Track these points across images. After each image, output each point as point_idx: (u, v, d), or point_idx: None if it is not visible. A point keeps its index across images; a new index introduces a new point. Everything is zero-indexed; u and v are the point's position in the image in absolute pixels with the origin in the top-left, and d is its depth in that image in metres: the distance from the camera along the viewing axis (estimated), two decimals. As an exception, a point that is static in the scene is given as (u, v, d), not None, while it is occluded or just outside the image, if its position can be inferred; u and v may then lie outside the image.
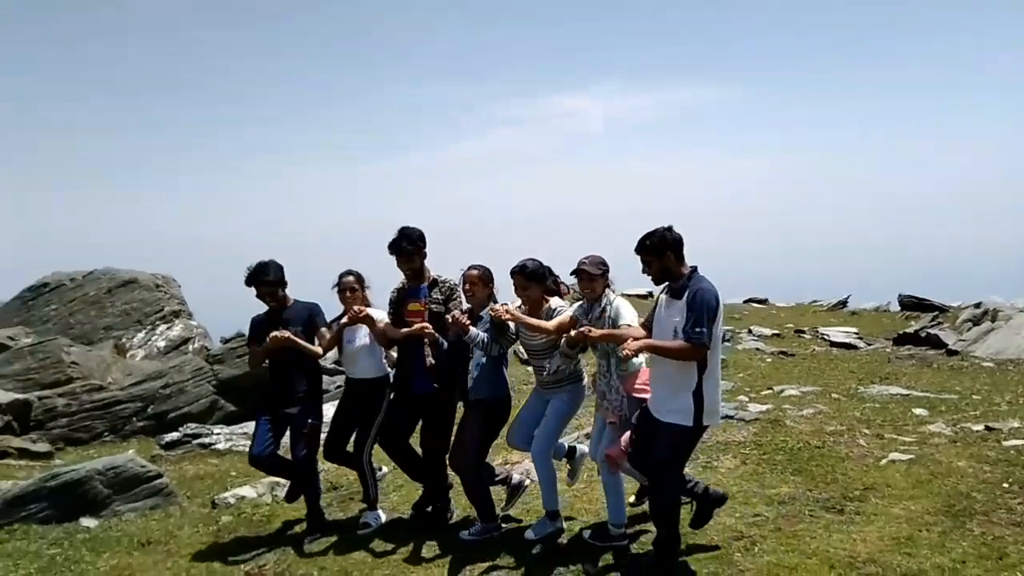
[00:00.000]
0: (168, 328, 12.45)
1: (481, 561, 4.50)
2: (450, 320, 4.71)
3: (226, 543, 5.21)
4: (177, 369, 9.74)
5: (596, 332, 4.27)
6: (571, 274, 4.66)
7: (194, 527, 5.56)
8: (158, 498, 6.02)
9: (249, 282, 5.19)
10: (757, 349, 14.61)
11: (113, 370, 10.24)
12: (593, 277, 4.51)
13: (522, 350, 5.57)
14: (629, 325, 4.37)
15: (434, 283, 5.26)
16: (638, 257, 4.22)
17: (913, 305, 21.03)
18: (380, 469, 5.97)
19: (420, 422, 5.29)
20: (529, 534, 4.76)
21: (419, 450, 5.31)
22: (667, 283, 4.20)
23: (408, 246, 5.12)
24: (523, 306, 4.85)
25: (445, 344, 4.99)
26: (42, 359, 9.70)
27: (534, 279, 4.75)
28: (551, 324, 4.65)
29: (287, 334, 5.02)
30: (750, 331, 17.25)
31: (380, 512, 5.35)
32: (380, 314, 5.26)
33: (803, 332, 17.33)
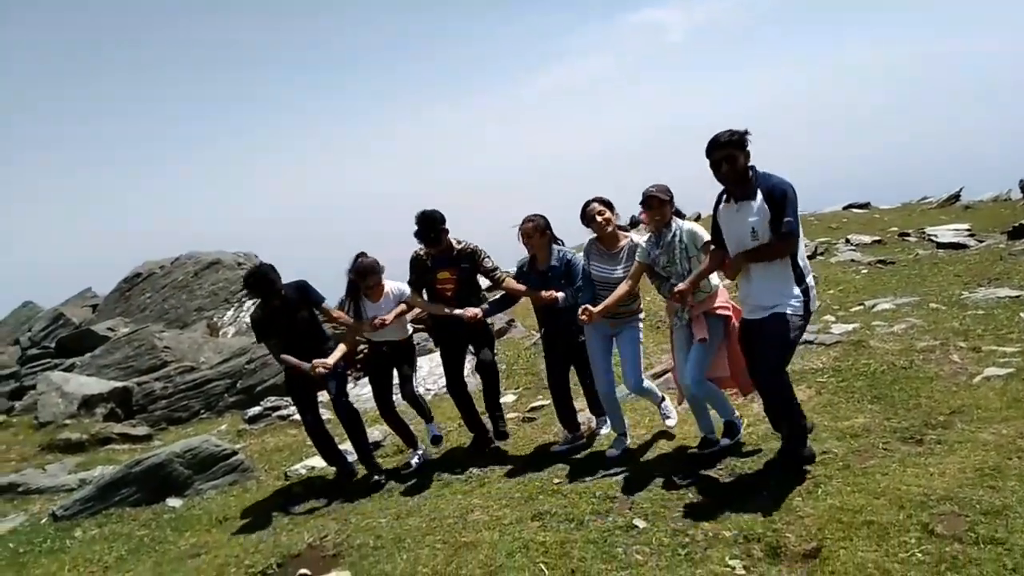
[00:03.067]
0: (253, 303, 12.91)
1: (529, 516, 4.39)
2: (469, 316, 5.33)
3: (295, 515, 5.36)
4: (258, 344, 10.11)
5: (682, 285, 4.40)
6: (640, 204, 4.74)
7: (267, 501, 5.76)
8: (236, 474, 6.29)
9: (256, 293, 5.59)
10: (852, 261, 13.71)
11: (205, 349, 10.76)
12: (663, 203, 4.63)
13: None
14: (710, 243, 4.47)
15: (461, 252, 5.52)
16: (711, 161, 4.11)
17: (1038, 189, 19.11)
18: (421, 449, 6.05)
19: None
20: (611, 453, 5.15)
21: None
22: (724, 192, 4.20)
23: (435, 235, 5.40)
24: (598, 242, 5.07)
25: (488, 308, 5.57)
26: (138, 346, 10.32)
27: (608, 205, 5.00)
28: (624, 289, 4.83)
29: (327, 365, 5.39)
30: (847, 240, 16.22)
31: (435, 426, 5.98)
32: (399, 284, 5.65)
33: (908, 235, 16.14)
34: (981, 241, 14.04)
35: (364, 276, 5.50)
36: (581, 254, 5.24)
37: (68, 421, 8.77)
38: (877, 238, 16.17)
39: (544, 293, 5.17)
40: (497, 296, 5.79)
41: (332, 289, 5.95)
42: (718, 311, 4.64)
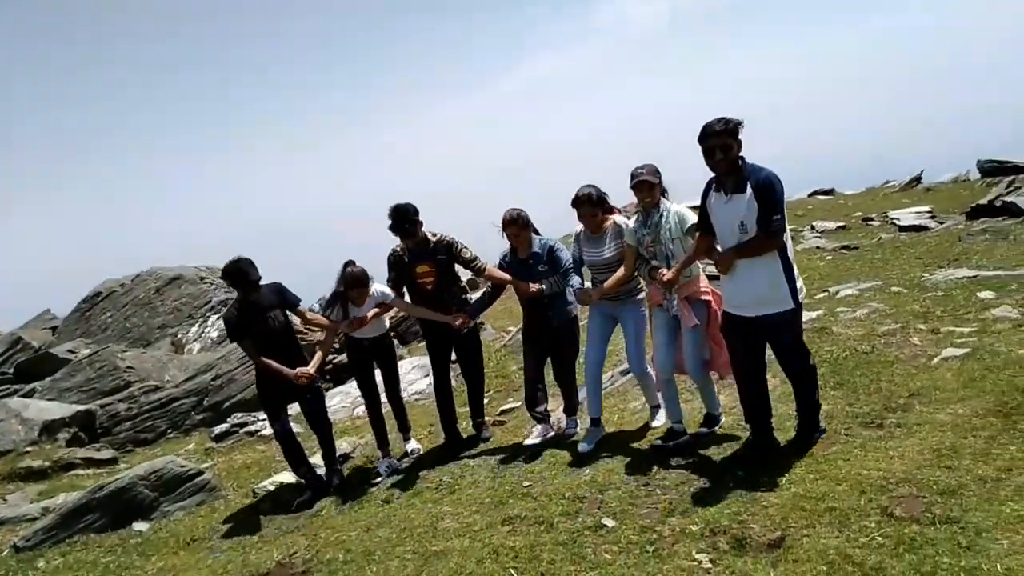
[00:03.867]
0: (218, 318, 12.75)
1: (510, 515, 4.37)
2: (458, 324, 5.53)
3: (263, 532, 5.28)
4: (224, 359, 9.96)
5: (669, 274, 4.57)
6: (631, 187, 4.80)
7: (236, 520, 5.66)
8: (203, 494, 6.17)
9: (234, 283, 5.49)
10: (817, 247, 13.90)
11: (170, 367, 10.57)
12: (653, 185, 4.69)
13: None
14: (694, 227, 4.54)
15: (437, 245, 5.61)
16: (703, 148, 4.10)
17: (995, 170, 19.49)
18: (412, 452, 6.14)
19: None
20: (582, 447, 5.18)
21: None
22: (713, 180, 4.20)
23: (409, 226, 5.48)
24: (586, 229, 5.18)
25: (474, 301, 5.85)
26: (99, 368, 10.09)
27: (597, 204, 5.07)
28: (621, 273, 4.97)
29: (310, 374, 5.53)
30: (812, 227, 16.46)
31: (414, 441, 6.18)
32: (381, 287, 5.72)
33: (871, 219, 16.43)
34: (941, 223, 14.32)
35: (353, 286, 5.56)
36: (571, 242, 5.38)
37: (29, 448, 8.54)
38: (842, 224, 16.43)
39: (531, 286, 5.29)
40: (479, 295, 5.91)
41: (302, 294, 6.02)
42: (701, 296, 4.76)
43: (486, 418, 6.26)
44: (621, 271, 4.98)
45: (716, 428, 4.98)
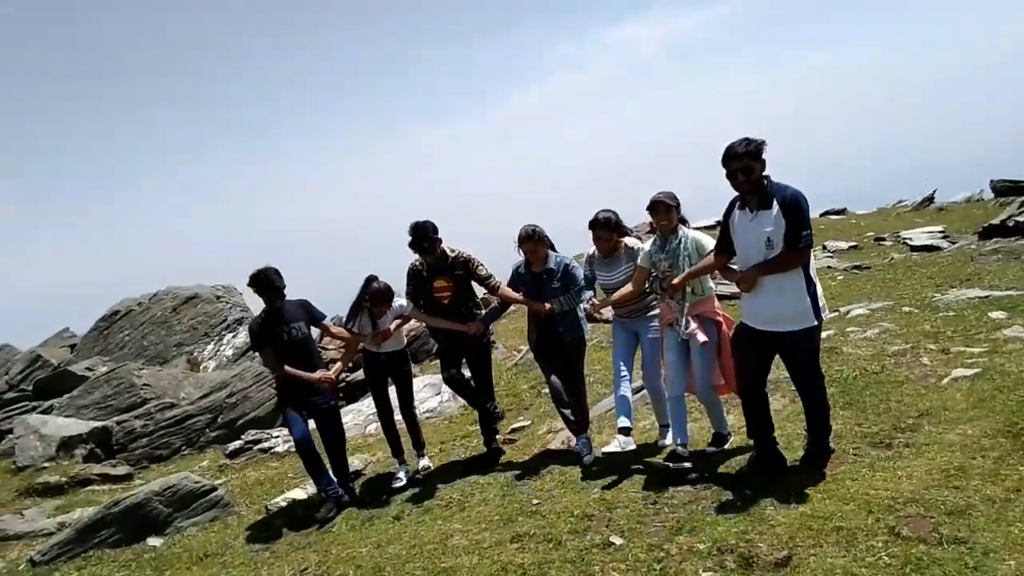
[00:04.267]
0: (234, 336, 12.90)
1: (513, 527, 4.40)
2: (472, 331, 5.70)
3: (275, 548, 5.33)
4: (239, 377, 10.06)
5: (676, 279, 4.64)
6: (647, 209, 4.90)
7: (248, 536, 5.72)
8: (216, 510, 6.24)
9: (260, 291, 5.62)
10: (828, 267, 13.88)
11: (185, 385, 10.69)
12: (670, 208, 4.77)
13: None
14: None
15: (455, 261, 5.79)
16: (727, 170, 4.19)
17: (1008, 189, 19.41)
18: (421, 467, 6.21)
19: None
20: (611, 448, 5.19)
21: None
22: (737, 199, 4.28)
23: (428, 244, 5.64)
24: (599, 252, 5.31)
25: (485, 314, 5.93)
26: (116, 385, 10.22)
27: (611, 228, 5.18)
28: (628, 290, 5.07)
29: (331, 378, 5.79)
30: (824, 247, 16.45)
31: (427, 459, 6.22)
32: (399, 301, 5.94)
33: (883, 239, 16.40)
34: (954, 243, 14.28)
35: (377, 303, 5.79)
36: (583, 260, 5.51)
37: (46, 464, 8.66)
38: (854, 243, 16.42)
39: (544, 306, 5.41)
40: (491, 306, 6.00)
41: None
42: (713, 316, 4.81)
43: (497, 436, 6.30)
44: (627, 289, 5.06)
45: (725, 446, 5.00)
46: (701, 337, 4.69)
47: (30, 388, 12.09)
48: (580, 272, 5.45)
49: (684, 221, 4.91)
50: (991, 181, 20.53)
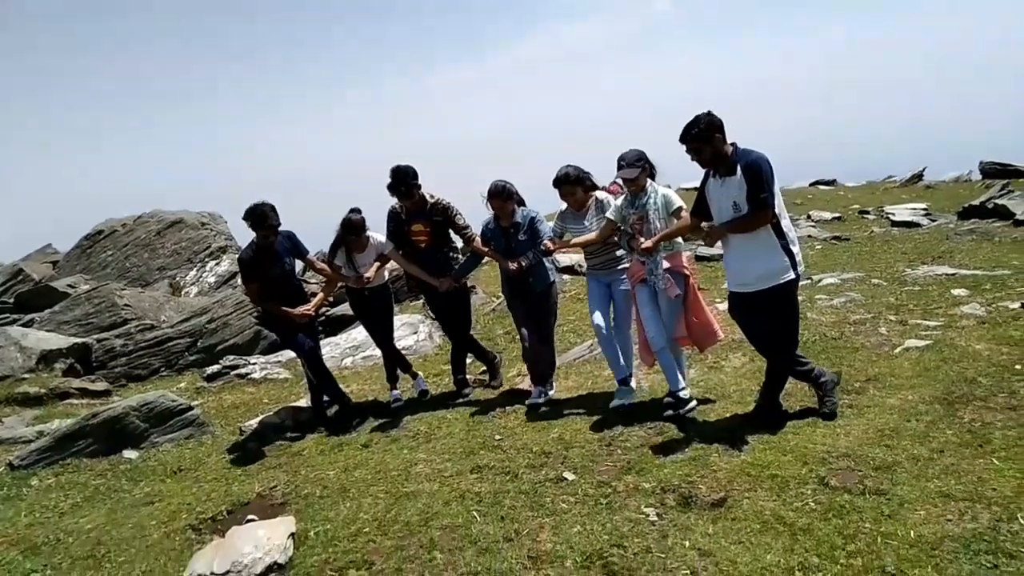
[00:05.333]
0: (216, 264, 12.97)
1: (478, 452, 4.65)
2: (443, 287, 5.95)
3: (247, 467, 5.55)
4: (220, 304, 10.20)
5: (648, 243, 4.77)
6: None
7: (221, 454, 5.94)
8: (191, 428, 6.45)
9: (254, 226, 5.69)
10: (809, 236, 14.11)
11: (166, 308, 10.79)
12: (634, 178, 4.91)
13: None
14: (682, 208, 4.87)
15: (433, 207, 5.94)
16: (684, 147, 4.42)
17: (996, 172, 19.63)
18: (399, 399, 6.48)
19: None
20: (614, 403, 5.33)
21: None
22: (711, 167, 4.44)
23: (405, 188, 5.79)
24: (569, 207, 5.47)
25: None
26: (98, 303, 10.30)
27: (576, 183, 5.35)
28: (591, 237, 5.26)
29: (309, 312, 5.93)
30: (809, 216, 16.66)
31: (421, 378, 6.58)
32: (380, 237, 6.09)
33: (867, 213, 16.63)
34: (934, 220, 14.52)
35: (348, 231, 5.95)
36: (555, 218, 5.65)
37: (26, 375, 8.81)
38: (838, 215, 16.63)
39: (511, 264, 5.57)
40: (466, 257, 6.22)
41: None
42: (682, 269, 5.00)
43: (467, 376, 6.53)
44: (590, 236, 5.26)
45: (683, 411, 4.90)
46: (674, 291, 4.89)
47: (11, 301, 12.15)
48: (546, 227, 5.62)
49: (653, 174, 5.06)
50: (980, 163, 20.73)
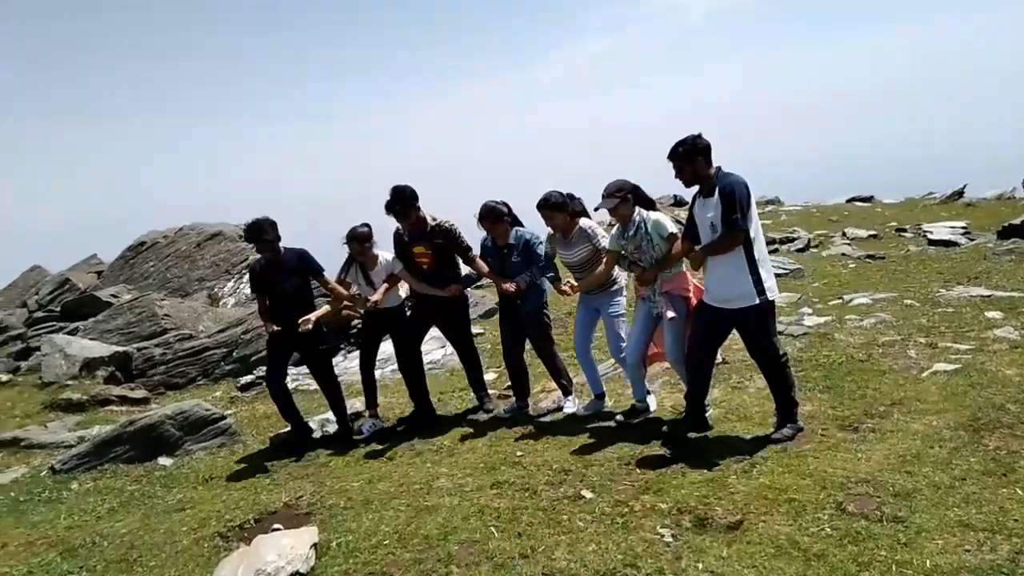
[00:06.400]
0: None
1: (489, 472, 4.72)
2: (451, 293, 6.00)
3: (275, 476, 5.69)
4: (255, 315, 10.43)
5: (649, 274, 4.96)
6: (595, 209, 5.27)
7: (252, 463, 6.10)
8: (224, 437, 6.63)
9: (249, 240, 5.85)
10: (843, 254, 13.93)
11: (204, 319, 11.11)
12: (614, 208, 5.03)
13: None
14: (674, 234, 4.99)
15: (434, 229, 5.96)
16: (671, 164, 4.63)
17: (1041, 189, 19.12)
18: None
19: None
20: (579, 409, 5.78)
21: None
22: (692, 186, 4.65)
23: (400, 208, 5.79)
24: (554, 232, 5.55)
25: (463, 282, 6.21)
26: (139, 313, 10.66)
27: (556, 208, 5.39)
28: (600, 273, 5.39)
29: (311, 321, 5.83)
30: (844, 233, 16.44)
31: (380, 419, 6.42)
32: (388, 255, 6.12)
33: (904, 230, 16.34)
34: (972, 239, 14.20)
35: (351, 240, 6.01)
36: (544, 237, 5.76)
37: (70, 382, 9.14)
38: (873, 232, 16.37)
39: (505, 285, 5.68)
40: (467, 273, 6.32)
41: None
42: (681, 292, 5.09)
43: (490, 391, 6.61)
44: (600, 272, 5.37)
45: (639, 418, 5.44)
46: (670, 313, 5.00)
47: (58, 309, 12.62)
48: (541, 249, 5.69)
49: (650, 204, 5.16)
50: (1024, 180, 20.23)
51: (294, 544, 4.04)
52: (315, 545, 4.14)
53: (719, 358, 6.67)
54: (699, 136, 4.52)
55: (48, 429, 7.67)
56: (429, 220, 5.96)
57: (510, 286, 5.65)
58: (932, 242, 14.29)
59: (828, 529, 3.53)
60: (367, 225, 6.09)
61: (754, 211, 4.50)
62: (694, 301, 5.05)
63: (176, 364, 9.90)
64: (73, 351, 9.60)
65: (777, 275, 11.86)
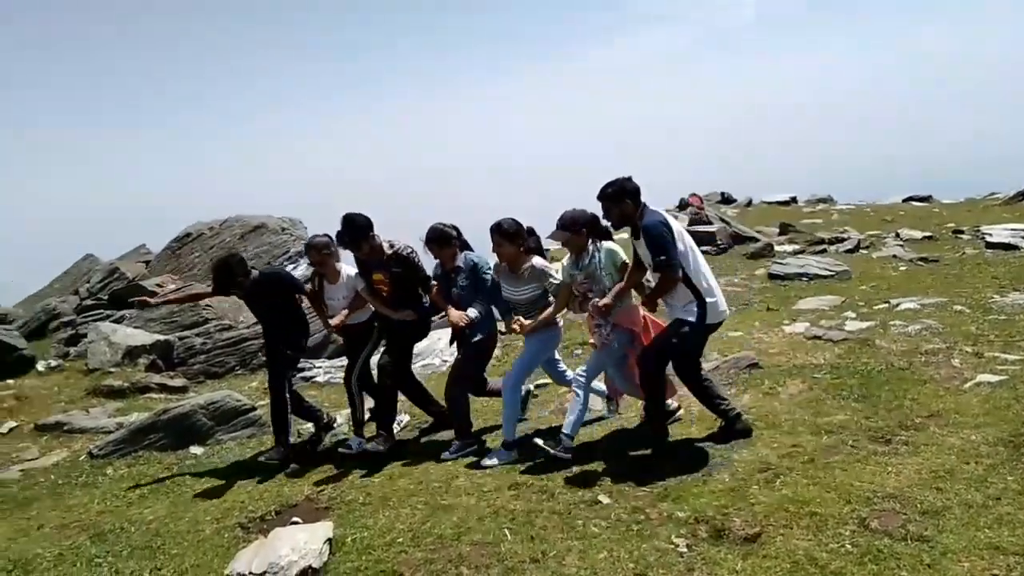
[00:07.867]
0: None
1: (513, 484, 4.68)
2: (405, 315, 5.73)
3: (300, 469, 5.76)
4: (293, 308, 10.60)
5: (605, 300, 4.77)
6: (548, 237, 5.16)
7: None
8: (253, 428, 6.75)
9: (216, 281, 5.93)
10: (894, 256, 13.47)
11: (244, 310, 11.26)
12: (566, 240, 4.99)
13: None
14: (626, 263, 4.96)
15: (390, 257, 5.71)
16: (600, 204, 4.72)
17: (1117, 190, 18.20)
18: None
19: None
20: (486, 461, 5.17)
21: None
22: (620, 227, 4.78)
23: (349, 239, 5.58)
24: (500, 261, 5.33)
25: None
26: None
27: (507, 237, 5.14)
28: (554, 310, 5.21)
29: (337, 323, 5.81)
30: (897, 235, 15.91)
31: (362, 439, 5.95)
32: (352, 270, 5.94)
33: (962, 232, 15.71)
34: (1035, 243, 13.59)
35: (308, 249, 6.00)
36: (492, 265, 5.51)
37: (113, 369, 9.42)
38: (929, 234, 15.80)
39: (454, 317, 5.36)
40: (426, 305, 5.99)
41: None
42: (627, 326, 5.00)
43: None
44: (553, 309, 5.21)
45: (558, 450, 4.93)
46: (601, 343, 4.92)
47: (106, 298, 13.02)
48: (488, 276, 5.44)
49: (607, 234, 5.02)
50: (1100, 181, 19.25)
51: (308, 539, 4.07)
52: (329, 540, 4.16)
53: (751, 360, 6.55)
54: (628, 179, 4.61)
55: (89, 415, 7.91)
56: (386, 248, 5.73)
57: (459, 317, 5.36)
58: (990, 245, 13.71)
59: (848, 546, 3.39)
60: (327, 235, 5.84)
61: (689, 242, 4.60)
62: (643, 338, 5.01)
63: (216, 353, 10.13)
64: (117, 339, 9.89)
65: (821, 277, 11.55)
